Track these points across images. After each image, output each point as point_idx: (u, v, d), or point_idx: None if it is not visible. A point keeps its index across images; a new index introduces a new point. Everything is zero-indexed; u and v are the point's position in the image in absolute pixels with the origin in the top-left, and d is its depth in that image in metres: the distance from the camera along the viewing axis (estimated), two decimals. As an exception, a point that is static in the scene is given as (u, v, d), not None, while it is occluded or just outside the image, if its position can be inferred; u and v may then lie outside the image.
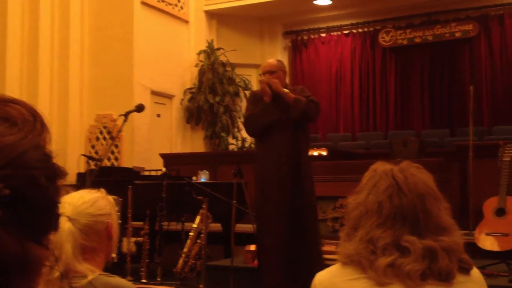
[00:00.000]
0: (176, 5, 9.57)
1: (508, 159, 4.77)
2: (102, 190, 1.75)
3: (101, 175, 4.80)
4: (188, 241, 5.12)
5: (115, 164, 8.47)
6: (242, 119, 9.62)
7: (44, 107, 8.10)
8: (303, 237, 4.33)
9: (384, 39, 10.37)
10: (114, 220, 1.73)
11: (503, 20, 9.65)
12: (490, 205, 4.75)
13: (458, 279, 1.37)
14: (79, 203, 1.65)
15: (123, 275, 5.01)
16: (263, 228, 4.45)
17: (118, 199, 1.82)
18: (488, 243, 4.62)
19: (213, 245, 5.54)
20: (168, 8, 9.38)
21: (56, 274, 1.20)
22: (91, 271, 1.59)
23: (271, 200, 4.37)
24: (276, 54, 10.60)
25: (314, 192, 4.50)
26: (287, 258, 4.29)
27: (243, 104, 9.76)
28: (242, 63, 10.29)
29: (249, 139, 9.69)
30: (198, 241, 5.08)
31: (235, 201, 4.73)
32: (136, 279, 5.21)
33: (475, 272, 1.44)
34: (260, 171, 4.49)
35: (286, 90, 4.40)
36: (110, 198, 1.76)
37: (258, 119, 4.44)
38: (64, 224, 1.57)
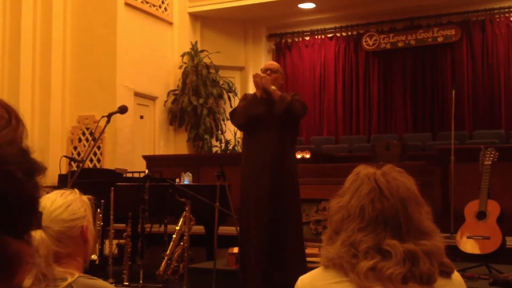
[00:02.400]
0: (160, 7, 9.54)
1: (489, 163, 4.81)
2: (76, 190, 1.68)
3: (83, 177, 4.77)
4: (171, 244, 5.10)
5: (98, 165, 8.41)
6: (225, 121, 9.64)
7: (26, 108, 8.02)
8: (286, 239, 4.33)
9: (368, 43, 10.43)
10: (90, 222, 1.66)
11: (484, 25, 9.75)
12: (471, 208, 4.80)
13: (439, 282, 1.37)
14: (52, 209, 1.58)
15: (105, 277, 4.98)
16: (243, 228, 4.46)
17: (94, 199, 1.75)
18: (469, 246, 4.67)
19: (195, 247, 5.53)
20: (152, 10, 9.34)
21: (30, 281, 1.18)
22: (70, 274, 1.56)
23: (251, 200, 4.38)
24: (260, 57, 10.61)
25: (298, 194, 4.50)
26: (268, 260, 4.28)
27: (226, 107, 9.76)
28: (226, 65, 10.28)
29: (233, 142, 9.69)
30: (181, 243, 5.07)
31: (218, 204, 4.73)
32: (118, 282, 5.18)
33: (456, 275, 1.45)
34: (244, 170, 4.50)
35: (273, 87, 4.46)
36: (85, 198, 1.69)
37: (245, 109, 4.51)
38: (36, 232, 1.52)
